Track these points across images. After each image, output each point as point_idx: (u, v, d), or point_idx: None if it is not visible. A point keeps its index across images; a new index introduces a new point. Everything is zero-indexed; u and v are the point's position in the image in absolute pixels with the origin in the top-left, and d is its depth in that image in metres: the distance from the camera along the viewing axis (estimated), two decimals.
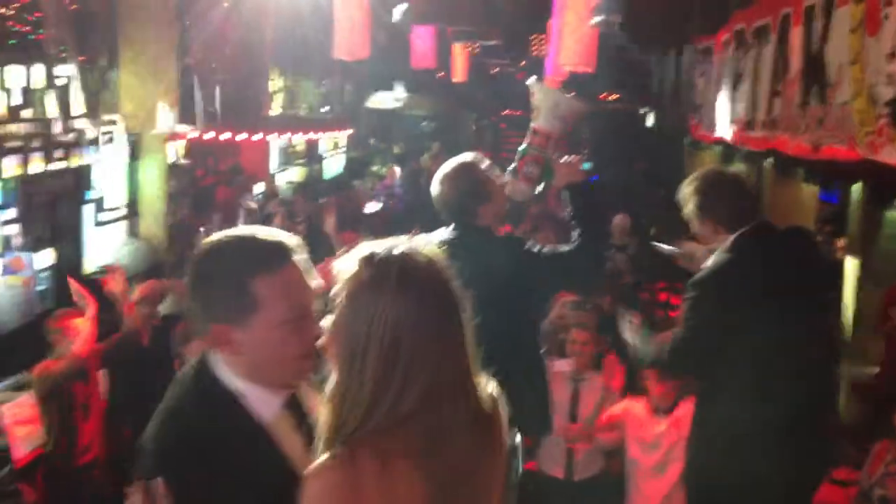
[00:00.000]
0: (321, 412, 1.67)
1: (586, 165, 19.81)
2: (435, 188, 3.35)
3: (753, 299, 3.15)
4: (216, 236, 1.81)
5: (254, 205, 9.44)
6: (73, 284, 4.73)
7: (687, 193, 3.44)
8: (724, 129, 7.98)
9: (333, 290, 1.68)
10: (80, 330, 4.50)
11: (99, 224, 8.11)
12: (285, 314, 1.74)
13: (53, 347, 4.61)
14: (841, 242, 9.28)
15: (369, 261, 1.66)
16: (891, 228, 7.85)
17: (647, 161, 16.19)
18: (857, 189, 8.19)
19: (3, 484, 3.59)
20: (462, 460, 1.66)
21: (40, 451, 4.52)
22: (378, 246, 1.68)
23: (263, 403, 1.79)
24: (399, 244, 1.69)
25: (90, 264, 8.01)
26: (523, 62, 22.07)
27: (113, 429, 4.68)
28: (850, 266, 8.13)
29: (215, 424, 1.72)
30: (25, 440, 4.49)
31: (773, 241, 3.33)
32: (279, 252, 1.76)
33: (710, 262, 3.35)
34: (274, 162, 13.35)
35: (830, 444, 3.50)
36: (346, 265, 1.68)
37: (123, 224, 8.61)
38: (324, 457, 1.60)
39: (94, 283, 5.29)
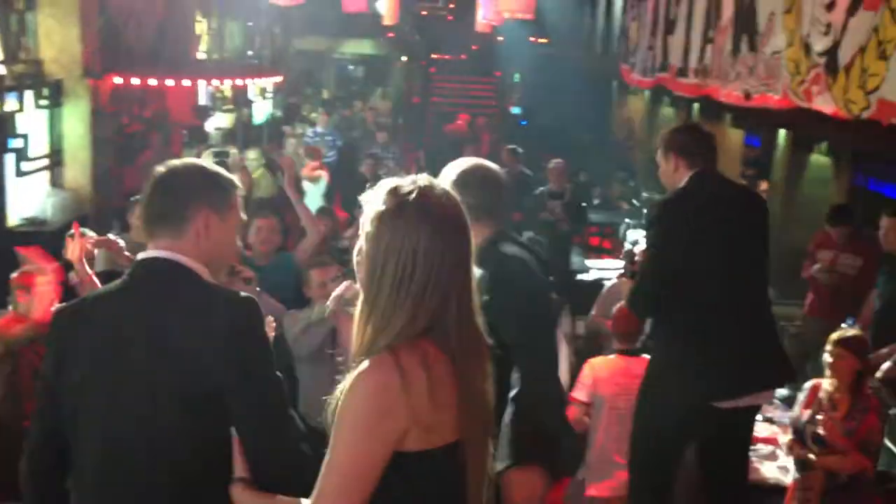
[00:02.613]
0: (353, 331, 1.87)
1: (516, 110, 19.81)
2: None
3: (705, 220, 3.56)
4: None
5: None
6: (25, 252, 4.59)
7: (661, 135, 3.86)
8: (656, 75, 8.06)
9: (361, 220, 1.87)
10: (40, 294, 4.37)
11: (21, 174, 7.83)
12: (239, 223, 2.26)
13: (16, 303, 4.48)
14: (764, 185, 9.55)
15: (393, 192, 1.83)
16: (814, 173, 8.11)
17: (576, 106, 16.28)
18: (782, 134, 8.42)
19: None
20: (477, 376, 1.86)
21: None
22: (401, 180, 1.86)
23: None
24: (420, 178, 1.88)
25: (13, 216, 7.76)
26: (452, 4, 21.87)
27: None
28: (774, 209, 8.39)
29: None
30: None
31: (722, 180, 3.83)
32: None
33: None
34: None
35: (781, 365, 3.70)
36: (371, 197, 1.86)
37: (47, 174, 8.35)
38: (365, 362, 1.77)
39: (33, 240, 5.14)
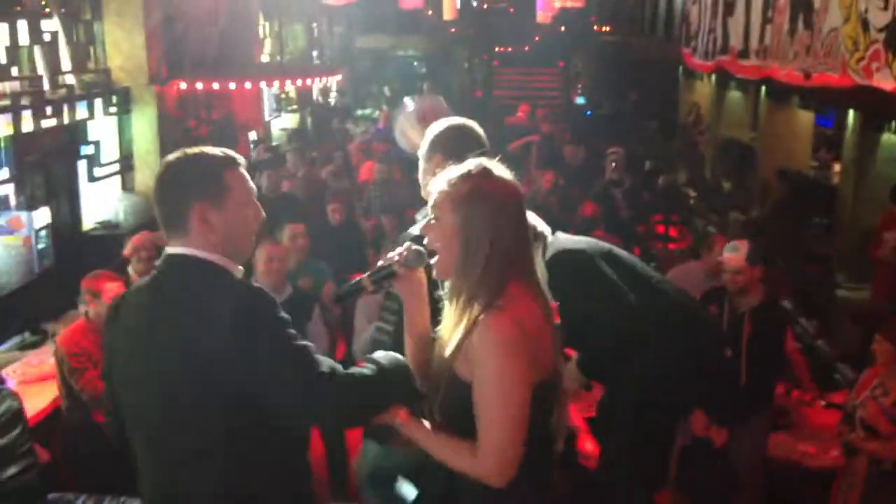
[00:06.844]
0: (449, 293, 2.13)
1: (581, 100, 19.61)
2: None
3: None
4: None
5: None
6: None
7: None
8: (718, 58, 7.90)
9: (436, 198, 2.12)
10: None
11: (93, 180, 8.08)
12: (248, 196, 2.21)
13: (87, 309, 4.51)
14: (837, 167, 9.28)
15: (467, 176, 2.11)
16: (886, 152, 7.86)
17: (639, 92, 16.05)
18: (852, 114, 8.17)
19: (16, 445, 3.60)
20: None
21: (50, 409, 4.55)
22: (468, 165, 2.14)
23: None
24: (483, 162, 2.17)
25: (88, 220, 8.01)
26: None
27: None
28: (845, 190, 8.16)
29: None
30: (36, 399, 4.51)
31: None
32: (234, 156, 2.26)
33: None
34: (267, 109, 13.27)
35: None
36: (441, 180, 2.14)
37: (118, 179, 8.59)
38: (484, 323, 2.02)
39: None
